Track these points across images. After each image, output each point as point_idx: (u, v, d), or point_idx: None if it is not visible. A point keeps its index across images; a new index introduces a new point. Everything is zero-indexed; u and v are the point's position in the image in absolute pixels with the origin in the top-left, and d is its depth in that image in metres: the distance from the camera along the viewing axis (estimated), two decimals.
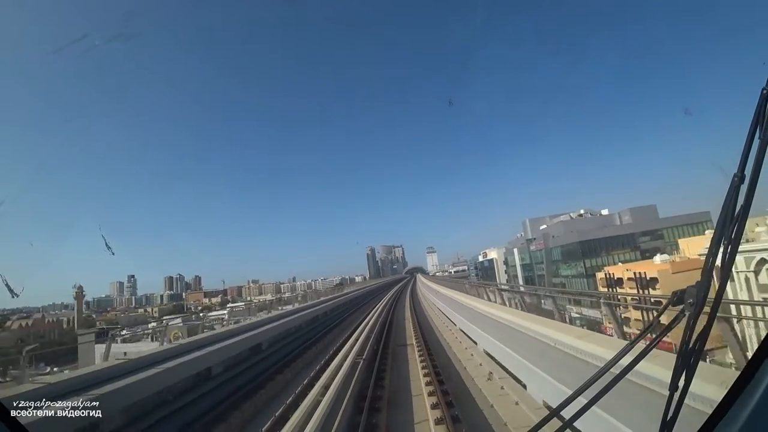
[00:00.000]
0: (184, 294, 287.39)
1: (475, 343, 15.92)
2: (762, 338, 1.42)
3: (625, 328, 11.17)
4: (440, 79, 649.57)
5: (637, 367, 1.46)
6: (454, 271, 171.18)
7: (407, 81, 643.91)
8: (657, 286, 38.17)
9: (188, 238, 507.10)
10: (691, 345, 1.41)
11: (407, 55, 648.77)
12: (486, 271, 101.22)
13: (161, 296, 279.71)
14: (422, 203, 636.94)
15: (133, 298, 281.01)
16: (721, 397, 1.43)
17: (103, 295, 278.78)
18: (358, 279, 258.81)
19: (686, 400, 1.47)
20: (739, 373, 1.45)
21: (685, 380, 1.44)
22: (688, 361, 1.42)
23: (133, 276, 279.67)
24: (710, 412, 1.47)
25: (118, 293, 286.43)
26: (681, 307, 1.43)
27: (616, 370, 1.46)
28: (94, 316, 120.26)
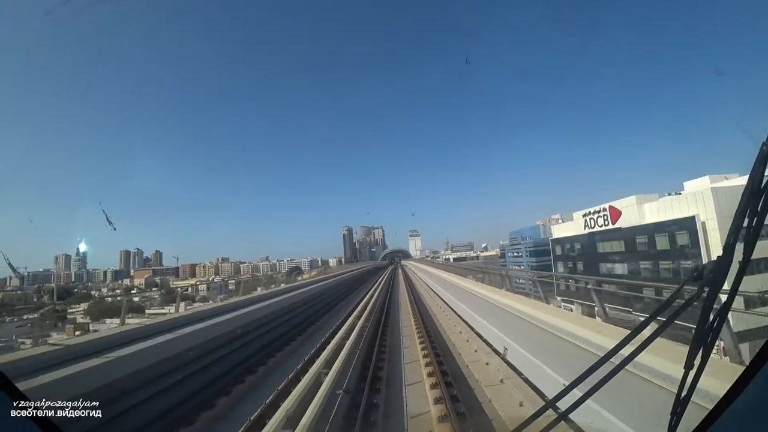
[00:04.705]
0: (132, 271, 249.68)
1: None
2: None
3: None
4: (441, 55, 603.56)
5: (640, 358, 1.44)
6: (453, 258, 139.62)
7: (403, 58, 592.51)
8: None
9: (161, 212, 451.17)
10: (708, 324, 1.34)
11: (400, 34, 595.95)
12: (585, 258, 42.33)
13: (104, 273, 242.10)
14: (406, 187, 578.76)
15: (73, 273, 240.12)
16: (727, 388, 1.37)
17: (41, 269, 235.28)
18: (332, 263, 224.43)
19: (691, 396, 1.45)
20: (745, 366, 1.39)
21: (701, 358, 1.39)
22: (705, 339, 1.37)
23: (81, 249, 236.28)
24: (711, 406, 1.42)
25: (64, 267, 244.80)
26: (699, 284, 1.35)
27: (616, 360, 1.42)
28: None
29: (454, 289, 22.04)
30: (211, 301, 21.97)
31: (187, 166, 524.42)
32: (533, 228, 66.55)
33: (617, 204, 39.20)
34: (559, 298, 24.64)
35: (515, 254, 73.54)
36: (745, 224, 1.21)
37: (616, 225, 38.84)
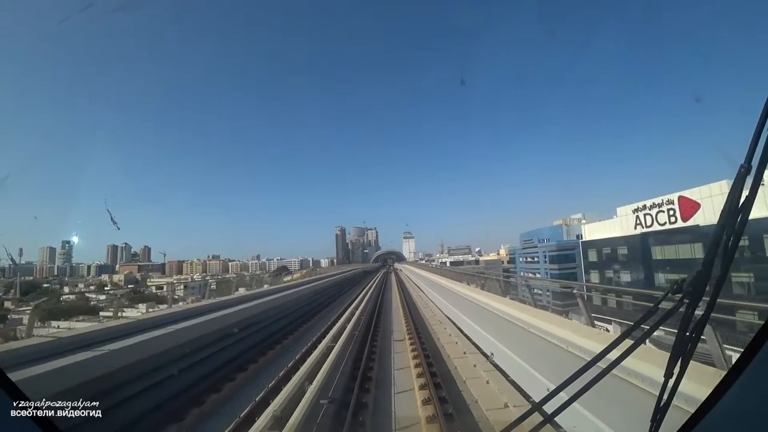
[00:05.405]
0: (117, 266, 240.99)
1: None
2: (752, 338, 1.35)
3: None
4: (441, 55, 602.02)
5: (626, 363, 1.45)
6: (450, 262, 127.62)
7: (403, 58, 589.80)
8: None
9: (154, 207, 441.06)
10: (687, 334, 1.41)
11: (400, 34, 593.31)
12: None
13: (88, 267, 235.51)
14: (402, 188, 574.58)
15: (56, 266, 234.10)
16: (708, 393, 1.40)
17: (24, 262, 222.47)
18: (324, 263, 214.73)
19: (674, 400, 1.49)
20: (725, 372, 1.46)
21: (680, 367, 1.44)
22: (684, 349, 1.42)
23: (68, 242, 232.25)
24: (693, 410, 1.45)
25: (48, 260, 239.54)
26: (679, 296, 1.41)
27: (603, 365, 1.46)
28: None
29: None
30: (181, 303, 19.81)
31: (185, 164, 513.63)
32: (553, 229, 57.89)
33: (692, 194, 31.03)
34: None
35: (529, 259, 65.13)
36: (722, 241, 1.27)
37: (690, 222, 30.89)
